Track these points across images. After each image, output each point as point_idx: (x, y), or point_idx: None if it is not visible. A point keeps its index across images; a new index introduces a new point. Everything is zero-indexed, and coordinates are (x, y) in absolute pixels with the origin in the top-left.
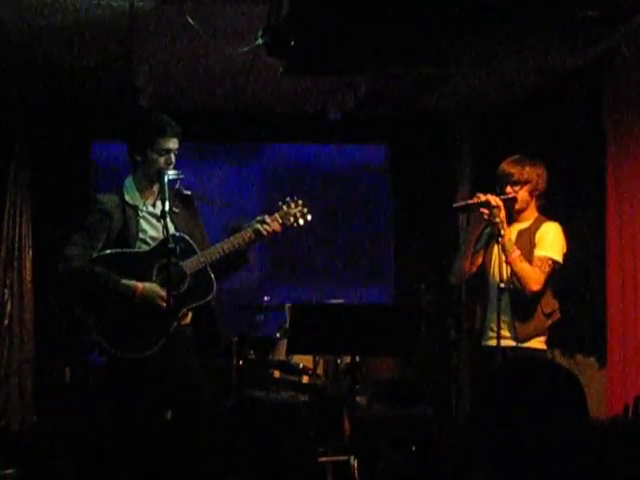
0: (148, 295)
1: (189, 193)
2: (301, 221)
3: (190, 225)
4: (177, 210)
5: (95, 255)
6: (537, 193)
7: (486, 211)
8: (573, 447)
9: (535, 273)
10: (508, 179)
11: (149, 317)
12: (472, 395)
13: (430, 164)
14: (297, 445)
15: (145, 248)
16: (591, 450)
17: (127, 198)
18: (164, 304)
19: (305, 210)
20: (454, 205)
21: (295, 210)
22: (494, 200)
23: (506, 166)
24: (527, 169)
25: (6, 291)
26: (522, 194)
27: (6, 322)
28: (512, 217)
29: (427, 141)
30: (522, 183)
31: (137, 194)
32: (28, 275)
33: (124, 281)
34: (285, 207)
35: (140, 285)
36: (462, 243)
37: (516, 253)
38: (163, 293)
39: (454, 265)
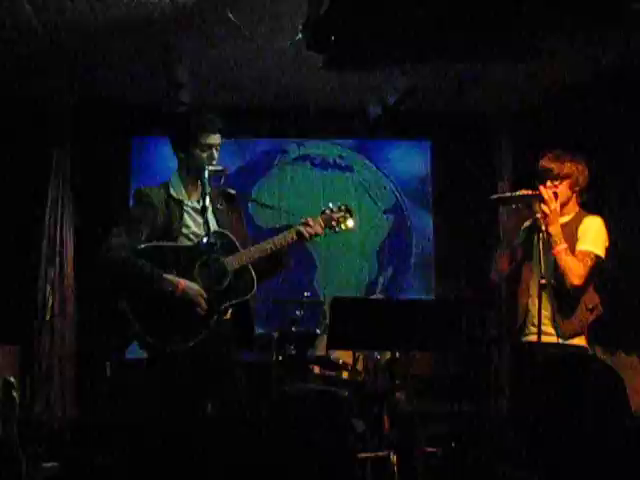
0: (189, 293)
1: (234, 192)
2: (343, 226)
3: (233, 222)
4: (221, 207)
5: (138, 247)
6: (578, 188)
7: (539, 207)
8: (616, 443)
9: (578, 267)
10: (548, 174)
11: (190, 310)
12: (511, 391)
13: (472, 158)
14: (338, 440)
15: (188, 243)
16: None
17: (173, 192)
18: (204, 303)
19: (348, 215)
20: (492, 197)
21: (338, 215)
22: (546, 193)
23: (546, 161)
24: (567, 164)
25: (48, 286)
26: (562, 188)
27: (48, 317)
28: None
29: (469, 136)
30: (562, 178)
31: (182, 189)
32: (70, 270)
33: (166, 275)
34: (328, 211)
35: (182, 282)
36: (502, 238)
37: (563, 246)
38: (203, 292)
39: (494, 262)
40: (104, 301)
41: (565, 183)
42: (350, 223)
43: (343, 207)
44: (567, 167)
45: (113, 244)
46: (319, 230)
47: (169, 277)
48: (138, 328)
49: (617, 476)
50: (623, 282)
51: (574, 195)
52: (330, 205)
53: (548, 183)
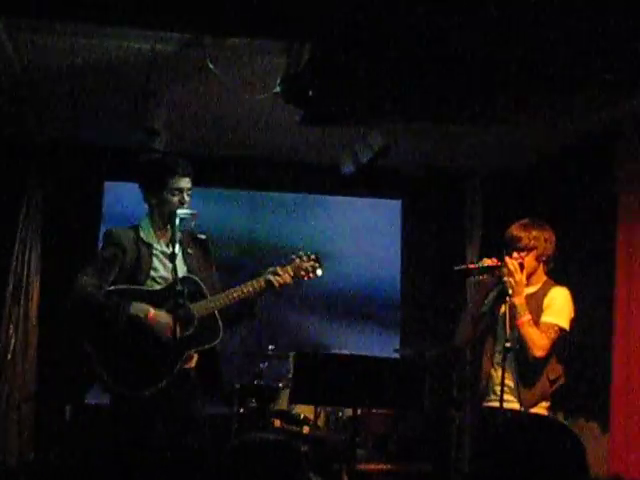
0: (160, 321)
1: (204, 237)
2: (312, 275)
3: (202, 268)
4: (191, 251)
5: (106, 289)
6: (544, 258)
7: (488, 276)
8: None
9: (541, 339)
10: (515, 244)
11: (154, 355)
12: (472, 453)
13: (442, 219)
14: None
15: (155, 287)
16: None
17: (142, 235)
18: (171, 334)
19: (317, 265)
20: (456, 268)
21: (307, 264)
22: (511, 264)
23: (514, 230)
24: (534, 234)
25: (11, 326)
26: (529, 259)
27: (9, 357)
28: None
29: (440, 198)
30: (529, 249)
31: (152, 233)
32: (34, 312)
33: (136, 303)
34: (298, 260)
35: (152, 310)
36: (466, 306)
37: (526, 317)
38: (171, 321)
39: (459, 328)
40: (67, 344)
41: (532, 254)
42: (319, 272)
43: (313, 256)
44: (534, 237)
45: (83, 283)
46: (288, 279)
47: (139, 305)
48: (102, 372)
49: None
50: (586, 350)
51: (541, 265)
52: (300, 253)
53: (514, 254)
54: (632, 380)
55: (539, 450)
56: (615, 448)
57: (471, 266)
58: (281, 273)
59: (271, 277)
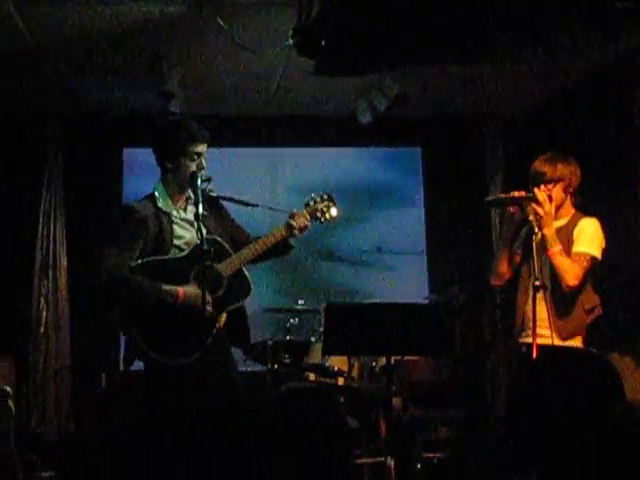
0: (191, 299)
1: (215, 194)
2: (327, 216)
3: (220, 226)
4: (206, 213)
5: (133, 264)
6: (571, 190)
7: (529, 209)
8: (610, 434)
9: (574, 268)
10: (541, 178)
11: (190, 322)
12: (508, 391)
13: (463, 164)
14: (336, 446)
15: (180, 254)
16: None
17: (160, 205)
18: (206, 307)
19: (331, 204)
20: (486, 199)
21: (322, 205)
22: (540, 195)
23: (539, 165)
24: (560, 167)
25: (42, 299)
26: (556, 192)
27: (42, 330)
28: None
29: (460, 141)
30: (555, 181)
31: (169, 200)
32: (63, 283)
33: (166, 287)
34: (312, 202)
35: (182, 289)
36: (499, 243)
37: (557, 247)
38: (206, 297)
39: (492, 266)
40: (101, 316)
41: (559, 186)
42: (334, 212)
43: (325, 196)
44: (560, 170)
45: (110, 265)
46: (307, 222)
47: (168, 288)
48: (141, 343)
49: (614, 472)
50: (618, 283)
51: (568, 197)
52: (312, 195)
53: (542, 187)
54: None
55: (575, 382)
56: None
57: (502, 195)
58: (298, 217)
59: (291, 221)
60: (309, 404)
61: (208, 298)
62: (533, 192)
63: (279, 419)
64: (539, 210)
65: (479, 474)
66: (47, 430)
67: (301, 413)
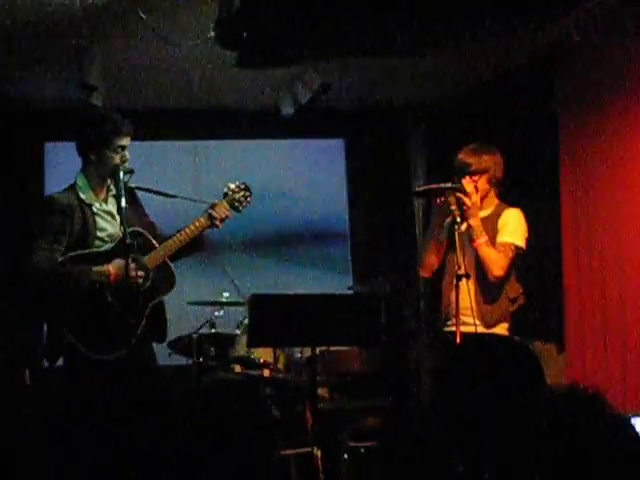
0: (121, 271)
1: (134, 185)
2: (244, 204)
3: (140, 218)
4: (127, 205)
5: (60, 259)
6: (495, 181)
7: (451, 199)
8: (533, 416)
9: (499, 258)
10: (467, 169)
11: (118, 316)
12: (432, 378)
13: (386, 155)
14: (260, 437)
15: (104, 246)
16: (551, 418)
17: (82, 196)
18: (138, 278)
19: (248, 193)
20: (416, 189)
21: (239, 195)
22: (468, 186)
23: (464, 156)
24: (485, 158)
25: None
26: (481, 183)
27: None
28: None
29: (383, 132)
30: (480, 172)
31: (90, 192)
32: None
33: (95, 268)
34: (230, 192)
35: (110, 266)
36: (425, 234)
37: (483, 238)
38: (132, 266)
39: (421, 258)
40: (24, 312)
41: (484, 177)
42: (249, 200)
43: (242, 185)
44: (485, 161)
45: (39, 258)
46: (228, 213)
47: (98, 268)
48: (72, 339)
49: (537, 449)
50: (538, 272)
51: (492, 188)
52: (230, 185)
53: (467, 178)
54: (584, 299)
55: (497, 370)
56: (571, 368)
57: (433, 186)
58: (219, 207)
59: (211, 211)
60: (233, 396)
61: (137, 271)
62: (460, 183)
63: (203, 411)
64: (466, 201)
65: (405, 463)
66: None
67: (225, 405)
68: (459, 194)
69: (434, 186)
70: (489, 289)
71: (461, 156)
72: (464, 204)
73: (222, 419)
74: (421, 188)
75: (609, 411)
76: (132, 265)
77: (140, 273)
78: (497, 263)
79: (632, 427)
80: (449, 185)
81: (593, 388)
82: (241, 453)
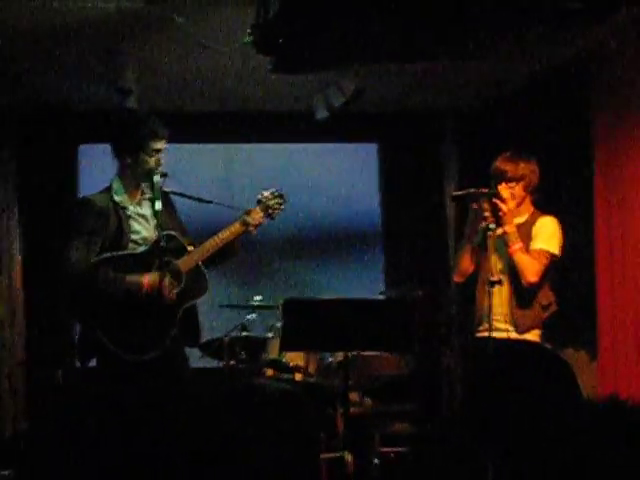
0: (154, 287)
1: (169, 190)
2: (277, 211)
3: (173, 223)
4: (162, 209)
5: (94, 260)
6: (531, 189)
7: (485, 205)
8: (568, 426)
9: (534, 265)
10: (503, 176)
11: (152, 317)
12: (464, 384)
13: (419, 160)
14: (298, 441)
15: (138, 249)
16: (586, 429)
17: (117, 199)
18: (170, 293)
19: (282, 200)
20: (454, 194)
21: (273, 201)
22: (505, 192)
23: (500, 163)
24: (521, 165)
25: None
26: (517, 190)
27: None
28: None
29: (416, 137)
30: (517, 180)
31: (125, 195)
32: (18, 279)
33: (129, 277)
34: (264, 199)
35: (145, 277)
36: (460, 239)
37: (518, 245)
38: (167, 282)
39: (456, 262)
40: (55, 309)
41: (520, 185)
42: (283, 208)
43: (277, 193)
44: (521, 168)
45: (74, 259)
46: (262, 220)
47: (132, 278)
48: (105, 340)
49: (569, 460)
50: (572, 280)
51: (528, 195)
52: (264, 193)
53: (503, 185)
54: (617, 308)
55: (530, 376)
56: (603, 375)
57: (472, 190)
58: (254, 213)
59: (246, 217)
60: (277, 401)
61: (172, 285)
62: (496, 189)
63: (243, 414)
64: (502, 207)
65: (436, 469)
66: (2, 427)
67: (269, 409)
68: (495, 200)
69: (472, 191)
70: (522, 295)
71: (498, 163)
72: (500, 210)
73: (265, 422)
74: (459, 193)
75: None
76: (166, 280)
77: (173, 291)
78: (531, 269)
79: None
80: (486, 191)
81: (632, 399)
82: (281, 457)
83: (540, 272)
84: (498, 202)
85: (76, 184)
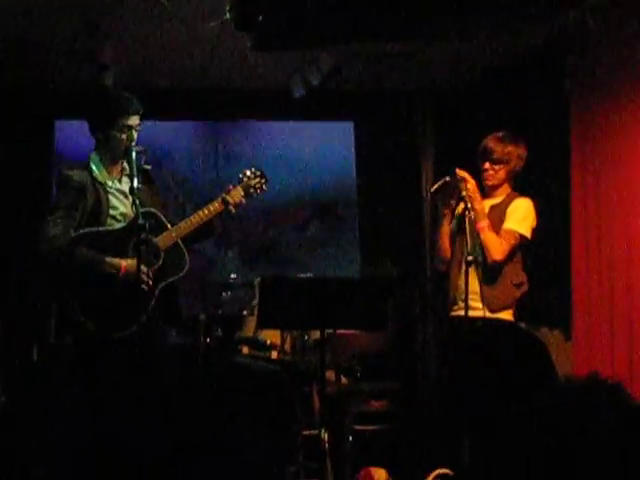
0: (132, 272)
1: (149, 167)
2: (259, 191)
3: (153, 199)
4: (141, 186)
5: (72, 235)
6: (513, 174)
7: (464, 186)
8: (544, 405)
9: (501, 244)
10: (489, 156)
11: (129, 295)
12: (440, 363)
13: (395, 139)
14: (278, 420)
15: (117, 225)
16: (573, 407)
17: (95, 175)
18: (146, 280)
19: (263, 180)
20: (432, 189)
21: (254, 181)
22: (462, 173)
23: (491, 142)
24: (509, 148)
25: None
26: (500, 173)
27: None
28: (485, 193)
29: (392, 116)
30: (502, 163)
31: (104, 171)
32: None
33: (108, 259)
34: (246, 179)
35: (124, 263)
36: (438, 225)
37: (485, 222)
38: (144, 269)
39: (436, 249)
40: (33, 286)
41: (504, 168)
42: (265, 188)
43: (258, 172)
44: (509, 152)
45: (52, 234)
46: (242, 199)
47: (110, 260)
48: (81, 316)
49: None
50: (547, 261)
51: (508, 179)
52: (246, 172)
53: (487, 165)
54: (592, 287)
55: (504, 355)
56: (578, 354)
57: (447, 179)
58: (234, 192)
59: (226, 196)
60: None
61: (149, 272)
62: (454, 171)
63: (223, 393)
64: (467, 186)
65: (411, 446)
66: None
67: (250, 388)
68: (460, 182)
69: (436, 186)
70: (490, 274)
71: (488, 142)
72: (467, 190)
73: (246, 400)
74: (435, 186)
75: (633, 401)
76: (145, 269)
77: (151, 278)
78: (497, 248)
79: None
80: (447, 179)
81: (614, 378)
82: (260, 434)
83: (506, 251)
84: (463, 182)
85: (52, 158)
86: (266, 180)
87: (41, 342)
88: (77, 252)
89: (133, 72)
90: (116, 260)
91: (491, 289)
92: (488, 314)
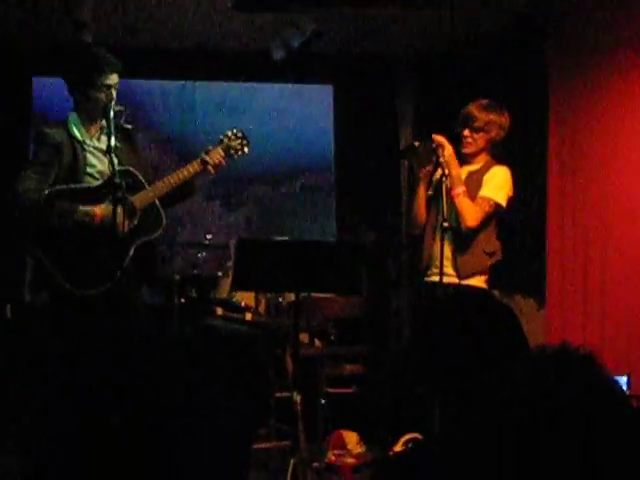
0: (107, 217)
1: (130, 127)
2: (240, 153)
3: (133, 159)
4: (119, 145)
5: (47, 191)
6: (493, 143)
7: (441, 152)
8: (513, 375)
9: (474, 210)
10: (470, 123)
11: (103, 252)
12: (412, 329)
13: (374, 103)
14: (251, 382)
15: (94, 183)
16: (545, 376)
17: (73, 133)
18: (122, 226)
19: (245, 142)
20: (401, 148)
21: (235, 142)
22: (439, 138)
23: (474, 109)
24: (492, 117)
25: None
26: (479, 141)
27: None
28: (463, 159)
29: (372, 79)
30: (483, 131)
31: (82, 129)
32: None
33: (82, 207)
34: (226, 139)
35: (98, 209)
36: (413, 190)
37: (460, 189)
38: (120, 217)
39: (411, 214)
40: (8, 244)
41: (484, 137)
42: (246, 149)
43: (239, 133)
44: (490, 121)
45: (25, 188)
46: (222, 160)
47: (84, 208)
48: (56, 275)
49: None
50: (522, 229)
51: (486, 147)
52: (227, 133)
53: (466, 131)
54: (566, 259)
55: (474, 321)
56: (551, 324)
57: (416, 144)
58: (213, 153)
59: (205, 157)
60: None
61: (125, 221)
62: (432, 137)
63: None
64: (444, 152)
65: (382, 410)
66: None
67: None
68: (437, 148)
69: (402, 147)
70: (463, 241)
71: (471, 109)
72: (444, 156)
73: (217, 362)
74: (404, 146)
75: (605, 372)
76: (120, 212)
77: (126, 222)
78: (472, 214)
79: (623, 389)
80: (416, 143)
81: (586, 348)
82: (232, 398)
83: (480, 218)
84: (439, 147)
85: (30, 116)
86: (248, 142)
87: (15, 301)
88: (50, 202)
89: (111, 31)
90: (89, 207)
91: (463, 256)
92: (457, 280)
